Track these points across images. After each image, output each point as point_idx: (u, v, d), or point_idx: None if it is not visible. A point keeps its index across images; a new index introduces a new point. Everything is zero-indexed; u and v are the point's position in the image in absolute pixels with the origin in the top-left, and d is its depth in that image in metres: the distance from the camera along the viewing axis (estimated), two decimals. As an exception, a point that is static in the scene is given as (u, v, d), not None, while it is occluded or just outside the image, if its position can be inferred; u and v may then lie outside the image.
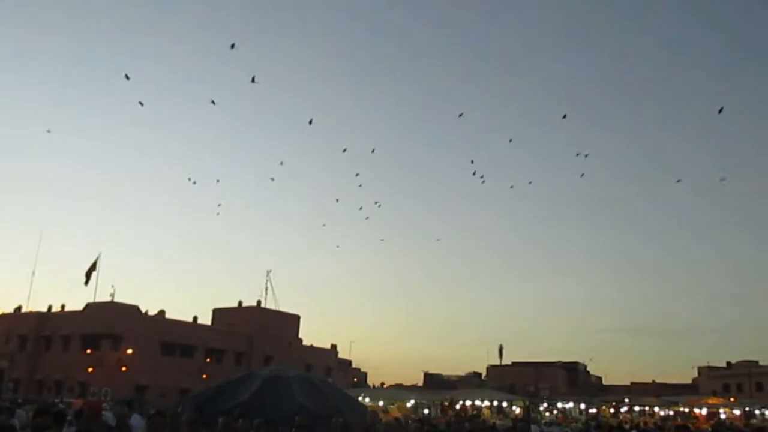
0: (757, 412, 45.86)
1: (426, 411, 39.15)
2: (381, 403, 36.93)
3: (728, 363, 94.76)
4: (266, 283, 72.80)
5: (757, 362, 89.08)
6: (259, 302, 72.42)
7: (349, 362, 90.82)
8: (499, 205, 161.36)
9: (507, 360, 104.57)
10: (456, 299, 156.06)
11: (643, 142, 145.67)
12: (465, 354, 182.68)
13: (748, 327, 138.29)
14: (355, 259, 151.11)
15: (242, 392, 14.52)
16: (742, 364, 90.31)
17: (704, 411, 45.44)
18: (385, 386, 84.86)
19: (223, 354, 66.03)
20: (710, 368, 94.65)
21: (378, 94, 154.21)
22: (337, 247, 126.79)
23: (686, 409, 45.91)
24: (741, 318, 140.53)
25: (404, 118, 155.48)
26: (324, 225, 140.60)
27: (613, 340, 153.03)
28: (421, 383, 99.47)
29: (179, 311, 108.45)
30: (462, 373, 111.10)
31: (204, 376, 58.08)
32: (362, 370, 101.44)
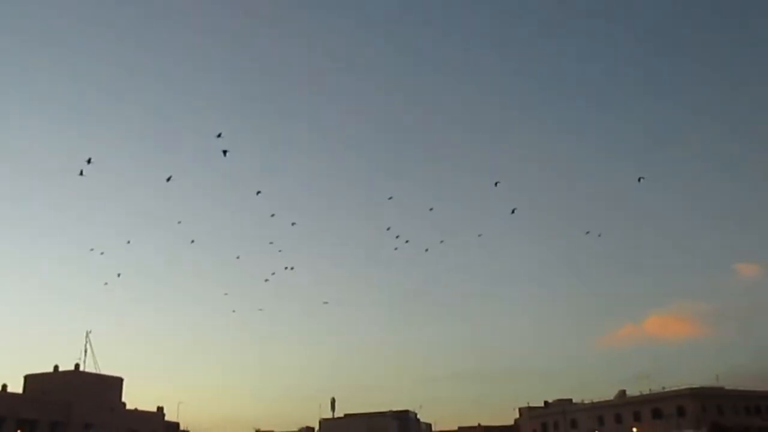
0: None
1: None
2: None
3: (546, 402, 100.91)
4: (85, 345, 67.88)
5: (571, 400, 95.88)
6: (77, 366, 67.24)
7: (177, 425, 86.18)
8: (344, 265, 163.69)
9: (340, 412, 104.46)
10: (288, 353, 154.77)
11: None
12: (298, 409, 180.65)
13: (564, 367, 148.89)
14: (187, 318, 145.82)
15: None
16: (558, 403, 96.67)
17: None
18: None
19: (36, 424, 59.96)
20: (530, 408, 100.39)
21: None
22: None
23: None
24: (557, 359, 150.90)
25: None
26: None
27: (441, 386, 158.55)
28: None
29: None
30: (295, 428, 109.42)
31: (14, 450, 52.51)
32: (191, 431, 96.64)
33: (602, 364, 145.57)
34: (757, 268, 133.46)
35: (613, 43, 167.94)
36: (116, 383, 71.42)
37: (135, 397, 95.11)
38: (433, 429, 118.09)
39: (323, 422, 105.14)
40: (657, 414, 77.80)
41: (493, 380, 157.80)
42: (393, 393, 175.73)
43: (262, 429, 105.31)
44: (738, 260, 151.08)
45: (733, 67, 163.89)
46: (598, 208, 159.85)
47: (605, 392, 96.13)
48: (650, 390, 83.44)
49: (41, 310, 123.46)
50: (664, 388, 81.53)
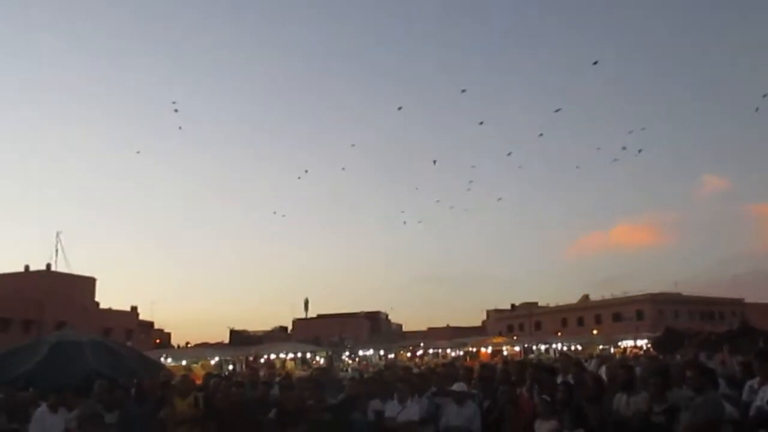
0: (534, 347, 51.18)
1: (231, 367, 39.32)
2: (184, 363, 36.45)
3: (512, 305, 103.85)
4: (56, 246, 68.10)
5: (536, 303, 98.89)
6: (48, 266, 67.77)
7: (151, 323, 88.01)
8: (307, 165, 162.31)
9: (312, 313, 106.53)
10: (261, 255, 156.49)
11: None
12: (271, 309, 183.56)
13: (531, 273, 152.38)
14: (156, 218, 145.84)
15: (27, 360, 13.84)
16: (523, 306, 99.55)
17: (489, 349, 49.85)
18: (189, 345, 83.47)
19: (10, 323, 60.89)
20: (497, 311, 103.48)
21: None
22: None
23: (474, 349, 50.02)
24: (525, 265, 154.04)
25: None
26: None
27: (412, 289, 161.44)
28: (227, 340, 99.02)
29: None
30: (268, 328, 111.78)
31: (-13, 347, 53.47)
32: (166, 330, 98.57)
33: (569, 270, 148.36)
34: (722, 180, 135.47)
35: None
36: (89, 283, 72.33)
37: (109, 297, 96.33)
38: (403, 330, 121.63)
39: (296, 322, 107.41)
40: (617, 317, 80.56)
41: (461, 285, 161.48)
42: (366, 295, 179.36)
43: (236, 328, 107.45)
44: (705, 172, 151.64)
45: None
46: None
47: (570, 297, 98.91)
48: (612, 295, 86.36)
49: (10, 209, 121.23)
50: (625, 293, 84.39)
